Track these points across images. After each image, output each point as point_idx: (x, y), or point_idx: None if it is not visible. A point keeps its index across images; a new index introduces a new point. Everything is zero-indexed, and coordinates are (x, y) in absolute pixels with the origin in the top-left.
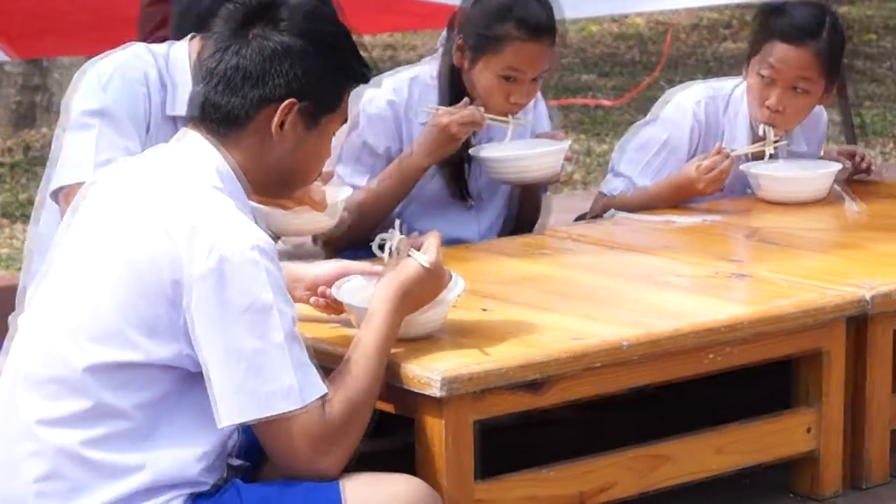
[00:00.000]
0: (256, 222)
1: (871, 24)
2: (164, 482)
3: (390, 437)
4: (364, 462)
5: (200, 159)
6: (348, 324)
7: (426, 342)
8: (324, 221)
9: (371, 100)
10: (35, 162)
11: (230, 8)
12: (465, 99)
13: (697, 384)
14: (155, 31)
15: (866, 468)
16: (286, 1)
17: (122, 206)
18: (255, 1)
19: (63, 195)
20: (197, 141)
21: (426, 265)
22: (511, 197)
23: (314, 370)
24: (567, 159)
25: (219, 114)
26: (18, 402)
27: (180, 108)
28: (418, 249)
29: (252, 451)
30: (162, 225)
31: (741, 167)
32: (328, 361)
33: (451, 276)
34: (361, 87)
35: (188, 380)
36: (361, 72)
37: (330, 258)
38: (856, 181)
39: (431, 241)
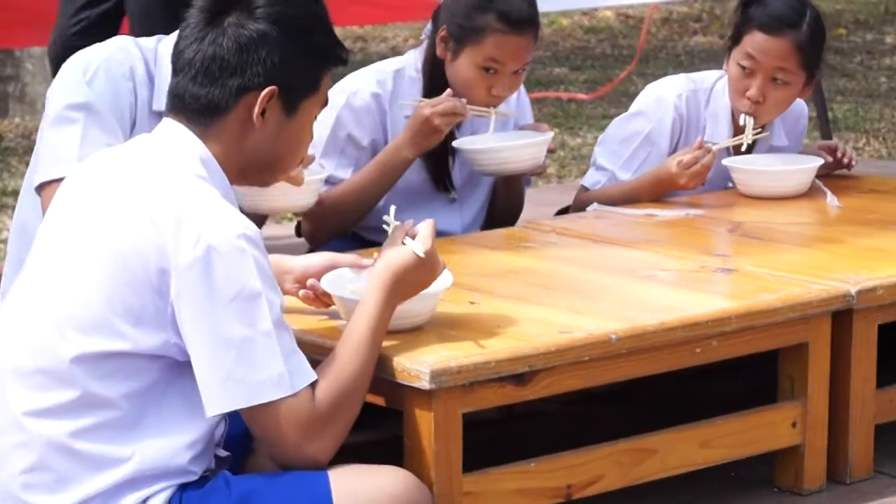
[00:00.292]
0: (242, 210)
1: (840, 19)
2: (151, 472)
3: (378, 428)
4: (351, 454)
5: (183, 149)
6: (337, 316)
7: (414, 335)
8: (301, 199)
9: (356, 92)
10: (8, 153)
11: None
12: (448, 90)
13: (681, 377)
14: None
15: (850, 463)
16: None
17: (106, 197)
18: None
19: (45, 191)
20: (178, 130)
21: (420, 254)
22: (493, 189)
23: (303, 357)
24: (551, 151)
25: (198, 104)
26: (6, 394)
27: None
28: (412, 238)
29: (237, 443)
30: (147, 215)
31: (723, 161)
32: (316, 353)
33: (444, 266)
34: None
35: (175, 369)
36: (338, 54)
37: (312, 251)
38: (836, 176)
39: (426, 230)
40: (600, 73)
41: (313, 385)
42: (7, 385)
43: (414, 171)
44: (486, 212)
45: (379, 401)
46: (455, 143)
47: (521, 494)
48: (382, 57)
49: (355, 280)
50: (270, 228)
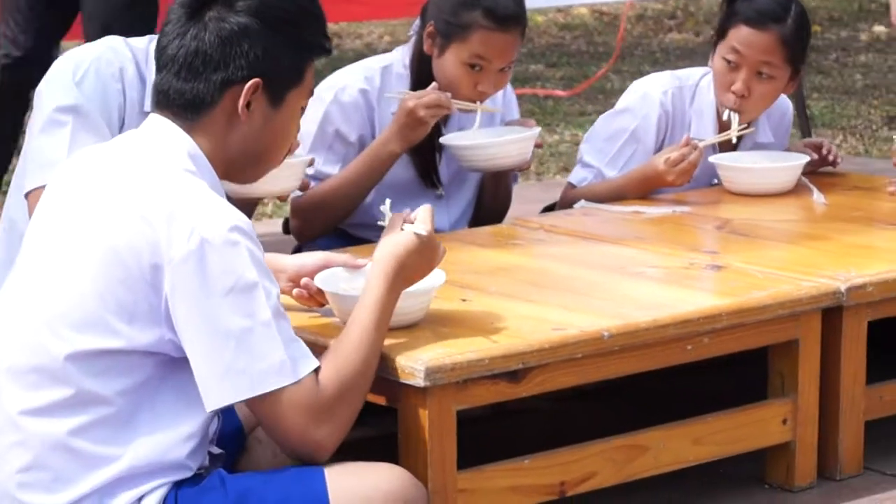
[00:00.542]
0: (233, 203)
1: (816, 16)
2: (146, 469)
3: (373, 426)
4: (348, 451)
5: (171, 144)
6: (331, 315)
7: (408, 332)
8: (285, 182)
9: (344, 88)
10: None
11: None
12: (434, 84)
13: (672, 374)
14: None
15: (840, 459)
16: None
17: (95, 194)
18: None
19: (33, 196)
20: (165, 126)
21: (422, 234)
22: (481, 186)
23: (303, 344)
24: (538, 146)
25: (183, 99)
26: (1, 394)
27: None
28: (411, 224)
29: (230, 440)
30: (138, 211)
31: (709, 158)
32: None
33: (444, 251)
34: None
35: (170, 364)
36: (321, 44)
37: (300, 248)
38: (820, 173)
39: (425, 213)
40: (576, 70)
41: (316, 371)
42: (1, 384)
43: (401, 167)
44: (474, 208)
45: (373, 398)
46: (442, 140)
47: (515, 491)
48: (358, 54)
49: (349, 279)
50: (257, 227)
